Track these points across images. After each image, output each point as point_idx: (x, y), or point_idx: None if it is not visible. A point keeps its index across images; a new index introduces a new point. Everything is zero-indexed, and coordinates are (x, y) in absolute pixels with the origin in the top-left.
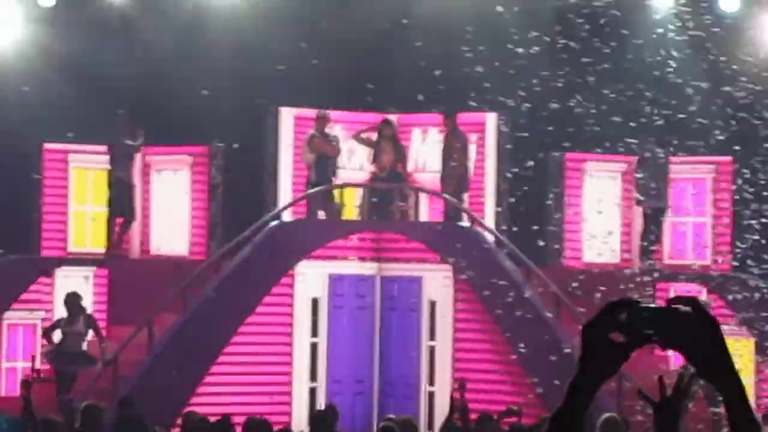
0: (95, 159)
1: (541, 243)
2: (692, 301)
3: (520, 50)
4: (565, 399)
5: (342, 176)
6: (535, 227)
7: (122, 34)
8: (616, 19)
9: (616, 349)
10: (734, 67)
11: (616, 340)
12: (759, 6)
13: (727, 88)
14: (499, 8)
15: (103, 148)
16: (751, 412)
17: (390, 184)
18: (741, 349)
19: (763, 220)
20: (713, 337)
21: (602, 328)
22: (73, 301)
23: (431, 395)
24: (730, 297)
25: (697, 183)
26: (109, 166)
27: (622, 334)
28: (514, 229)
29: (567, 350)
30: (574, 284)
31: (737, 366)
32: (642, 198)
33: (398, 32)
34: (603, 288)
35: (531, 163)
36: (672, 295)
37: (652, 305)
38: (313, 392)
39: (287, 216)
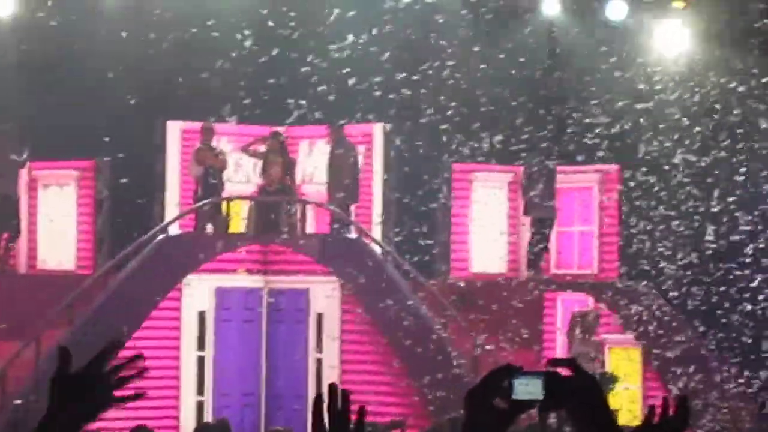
0: None
1: (428, 254)
2: (571, 362)
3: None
4: None
5: (229, 189)
6: (422, 238)
7: (6, 47)
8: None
9: (500, 416)
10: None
11: (500, 407)
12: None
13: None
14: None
15: None
16: None
17: (277, 196)
18: (629, 358)
19: (649, 227)
20: (594, 396)
21: (486, 395)
22: None
23: None
24: (617, 306)
25: (583, 192)
26: None
27: (505, 400)
28: (401, 240)
29: (454, 362)
30: (462, 295)
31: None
32: (529, 208)
33: (286, 44)
34: (490, 299)
35: (419, 173)
36: (558, 305)
37: (534, 372)
38: (200, 406)
39: (175, 230)
